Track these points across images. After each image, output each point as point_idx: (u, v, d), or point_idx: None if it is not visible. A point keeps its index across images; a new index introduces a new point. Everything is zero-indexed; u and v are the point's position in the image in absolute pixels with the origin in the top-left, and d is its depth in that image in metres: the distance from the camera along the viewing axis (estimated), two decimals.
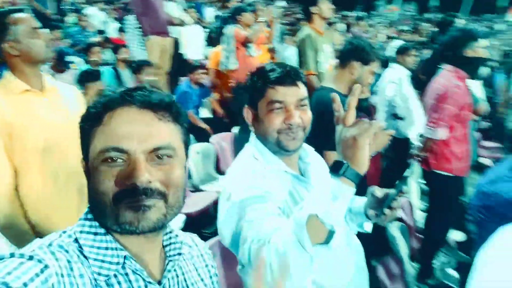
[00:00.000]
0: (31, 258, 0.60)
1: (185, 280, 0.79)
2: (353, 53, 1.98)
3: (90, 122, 0.68)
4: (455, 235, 3.23)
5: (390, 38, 8.56)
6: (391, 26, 12.16)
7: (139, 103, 0.68)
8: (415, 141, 3.24)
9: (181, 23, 5.21)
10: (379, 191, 1.13)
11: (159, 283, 0.72)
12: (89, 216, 0.70)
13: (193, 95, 4.62)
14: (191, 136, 4.13)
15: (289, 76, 1.14)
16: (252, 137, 1.24)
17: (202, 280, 0.83)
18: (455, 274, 3.03)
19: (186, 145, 0.75)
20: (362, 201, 1.22)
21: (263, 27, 3.83)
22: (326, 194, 0.87)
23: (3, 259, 0.59)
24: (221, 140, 3.99)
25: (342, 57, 2.04)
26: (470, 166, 2.76)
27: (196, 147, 3.77)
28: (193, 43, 6.25)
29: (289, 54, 4.41)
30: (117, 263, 0.67)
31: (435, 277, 2.88)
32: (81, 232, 0.69)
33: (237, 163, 1.22)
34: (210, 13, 8.47)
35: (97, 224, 0.69)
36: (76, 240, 0.67)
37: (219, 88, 4.73)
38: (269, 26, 4.08)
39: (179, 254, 0.76)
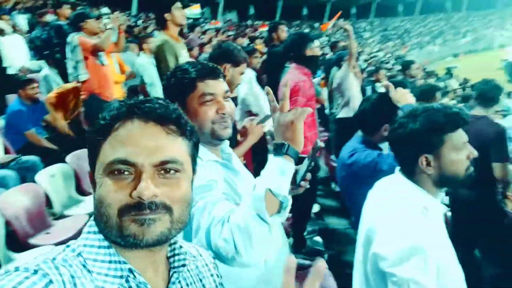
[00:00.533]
0: (35, 272, 0.59)
1: None
2: (224, 56, 2.16)
3: (98, 134, 0.68)
4: (314, 208, 3.81)
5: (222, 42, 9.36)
6: (218, 33, 13.19)
7: (147, 116, 0.67)
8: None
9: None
10: None
11: None
12: (93, 229, 0.70)
13: (28, 113, 4.06)
14: (38, 158, 3.64)
15: (215, 71, 1.24)
16: None
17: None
18: (319, 239, 3.59)
19: (194, 159, 0.75)
20: None
21: (112, 34, 3.64)
22: (251, 177, 1.00)
23: (8, 273, 0.59)
24: (78, 159, 3.64)
25: (214, 61, 2.19)
26: None
27: (50, 170, 3.35)
28: (15, 55, 5.43)
29: (141, 62, 4.29)
30: (121, 277, 0.66)
31: (307, 246, 3.36)
32: (84, 245, 0.68)
33: None
34: (23, 20, 7.48)
35: (101, 237, 0.68)
36: (79, 254, 0.67)
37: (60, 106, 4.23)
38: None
39: (184, 265, 0.76)
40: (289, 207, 1.01)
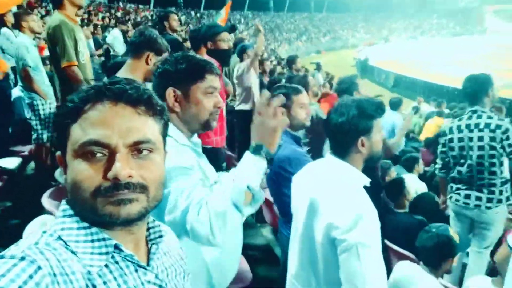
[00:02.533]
0: (23, 259, 0.58)
1: (168, 259, 0.83)
2: (147, 44, 2.10)
3: (68, 117, 0.67)
4: None
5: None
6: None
7: (118, 97, 0.67)
8: None
9: None
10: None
11: (148, 266, 0.75)
12: (68, 212, 0.69)
13: None
14: None
15: (217, 68, 1.37)
16: None
17: (182, 259, 0.90)
18: None
19: (165, 139, 0.77)
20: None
21: None
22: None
23: None
24: None
25: (136, 48, 2.12)
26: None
27: None
28: None
29: (22, 43, 3.69)
30: (107, 253, 0.67)
31: None
32: (62, 229, 0.67)
33: None
34: None
35: (78, 219, 0.68)
36: (59, 238, 0.66)
37: None
38: None
39: (161, 236, 0.80)
40: (261, 201, 1.15)
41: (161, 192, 0.73)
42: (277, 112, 1.13)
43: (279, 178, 2.10)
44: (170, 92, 1.31)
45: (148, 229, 0.80)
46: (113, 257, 0.68)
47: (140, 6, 28.87)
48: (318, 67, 13.02)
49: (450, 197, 3.09)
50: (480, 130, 2.80)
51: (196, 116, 1.34)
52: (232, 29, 3.09)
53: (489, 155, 2.79)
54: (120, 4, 26.10)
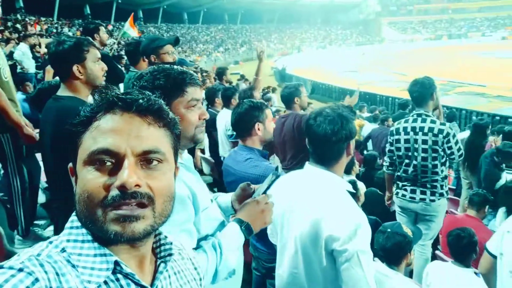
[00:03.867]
0: (21, 270, 0.58)
1: (177, 280, 0.78)
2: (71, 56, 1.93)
3: (80, 126, 0.67)
4: None
5: None
6: None
7: (128, 107, 0.67)
8: None
9: None
10: (251, 186, 1.44)
11: (152, 285, 0.72)
12: (76, 224, 0.68)
13: None
14: None
15: (197, 78, 1.29)
16: None
17: (194, 280, 0.84)
18: None
19: (176, 151, 0.74)
20: (226, 197, 1.48)
21: None
22: None
23: None
24: None
25: (61, 59, 1.92)
26: None
27: None
28: None
29: None
30: (107, 269, 0.65)
31: None
32: (68, 241, 0.67)
33: None
34: None
35: (84, 231, 0.67)
36: (63, 250, 0.65)
37: None
38: None
39: (170, 255, 0.76)
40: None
41: (169, 207, 0.70)
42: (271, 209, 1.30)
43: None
44: None
45: (159, 246, 0.76)
46: (114, 273, 0.66)
47: (42, 18, 26.64)
48: (242, 77, 13.22)
49: (397, 193, 3.30)
50: (425, 134, 3.03)
51: (183, 132, 1.22)
52: (176, 41, 2.95)
53: (432, 157, 3.04)
54: (18, 16, 23.76)
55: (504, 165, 4.25)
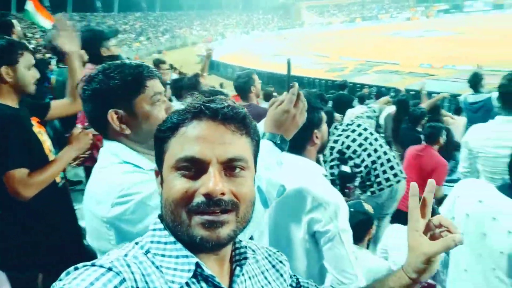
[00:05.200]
0: (109, 269, 0.62)
1: (252, 285, 0.79)
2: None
3: (167, 133, 0.70)
4: None
5: None
6: None
7: (214, 115, 0.69)
8: None
9: None
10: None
11: None
12: (159, 226, 0.71)
13: None
14: None
15: (154, 69, 1.17)
16: (113, 144, 1.13)
17: (269, 283, 0.84)
18: None
19: (255, 158, 0.76)
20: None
21: None
22: None
23: (86, 267, 0.62)
24: None
25: None
26: None
27: None
28: None
29: None
30: (189, 271, 0.67)
31: None
32: (151, 242, 0.70)
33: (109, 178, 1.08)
34: None
35: (167, 233, 0.70)
36: (148, 251, 0.69)
37: None
38: None
39: (246, 258, 0.77)
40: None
41: (250, 213, 0.72)
42: (304, 108, 1.19)
43: None
44: (111, 115, 1.10)
45: (234, 249, 0.78)
46: (195, 275, 0.67)
47: None
48: (172, 67, 12.87)
49: None
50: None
51: (150, 132, 1.07)
52: (116, 32, 2.82)
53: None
54: None
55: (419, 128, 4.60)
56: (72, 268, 0.63)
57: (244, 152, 0.71)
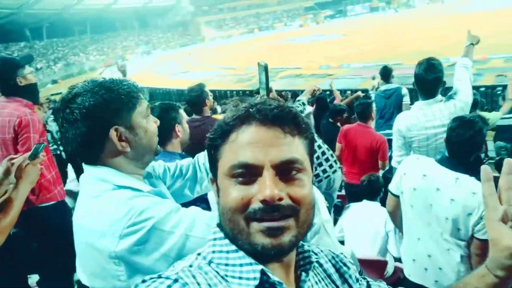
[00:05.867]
0: (176, 281, 0.61)
1: None
2: None
3: (218, 140, 0.69)
4: None
5: None
6: None
7: (265, 118, 0.67)
8: None
9: None
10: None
11: None
12: (219, 235, 0.70)
13: None
14: None
15: (137, 84, 1.14)
16: (97, 169, 1.04)
17: (335, 286, 0.80)
18: None
19: (311, 157, 0.73)
20: None
21: None
22: None
23: (153, 279, 0.62)
24: None
25: None
26: None
27: None
28: None
29: None
30: (254, 278, 0.64)
31: None
32: (213, 252, 0.69)
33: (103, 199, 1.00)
34: None
35: (227, 242, 0.68)
36: (211, 261, 0.68)
37: None
38: None
39: (310, 263, 0.74)
40: None
41: (311, 216, 0.69)
42: None
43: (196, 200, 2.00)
44: (113, 133, 1.03)
45: (298, 254, 0.74)
46: (261, 283, 0.64)
47: None
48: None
49: None
50: None
51: (149, 146, 1.11)
52: (31, 58, 2.59)
53: None
54: None
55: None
56: (139, 280, 0.62)
57: (298, 153, 0.67)
